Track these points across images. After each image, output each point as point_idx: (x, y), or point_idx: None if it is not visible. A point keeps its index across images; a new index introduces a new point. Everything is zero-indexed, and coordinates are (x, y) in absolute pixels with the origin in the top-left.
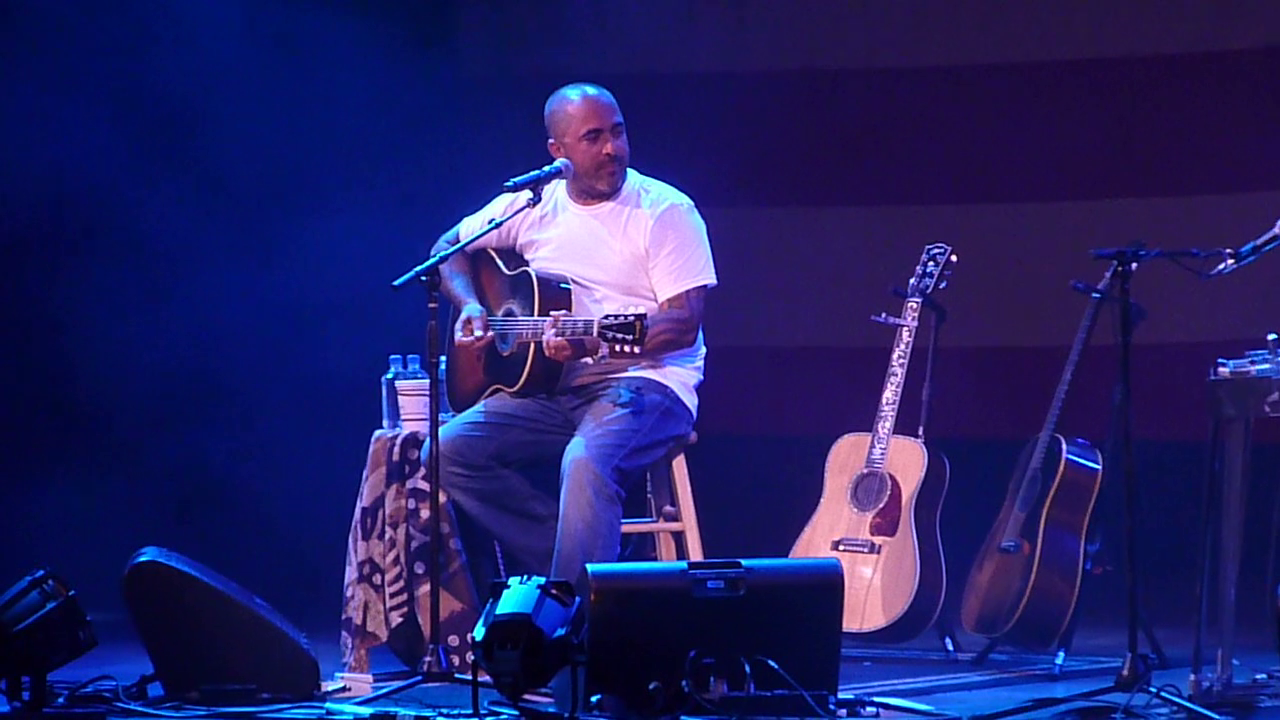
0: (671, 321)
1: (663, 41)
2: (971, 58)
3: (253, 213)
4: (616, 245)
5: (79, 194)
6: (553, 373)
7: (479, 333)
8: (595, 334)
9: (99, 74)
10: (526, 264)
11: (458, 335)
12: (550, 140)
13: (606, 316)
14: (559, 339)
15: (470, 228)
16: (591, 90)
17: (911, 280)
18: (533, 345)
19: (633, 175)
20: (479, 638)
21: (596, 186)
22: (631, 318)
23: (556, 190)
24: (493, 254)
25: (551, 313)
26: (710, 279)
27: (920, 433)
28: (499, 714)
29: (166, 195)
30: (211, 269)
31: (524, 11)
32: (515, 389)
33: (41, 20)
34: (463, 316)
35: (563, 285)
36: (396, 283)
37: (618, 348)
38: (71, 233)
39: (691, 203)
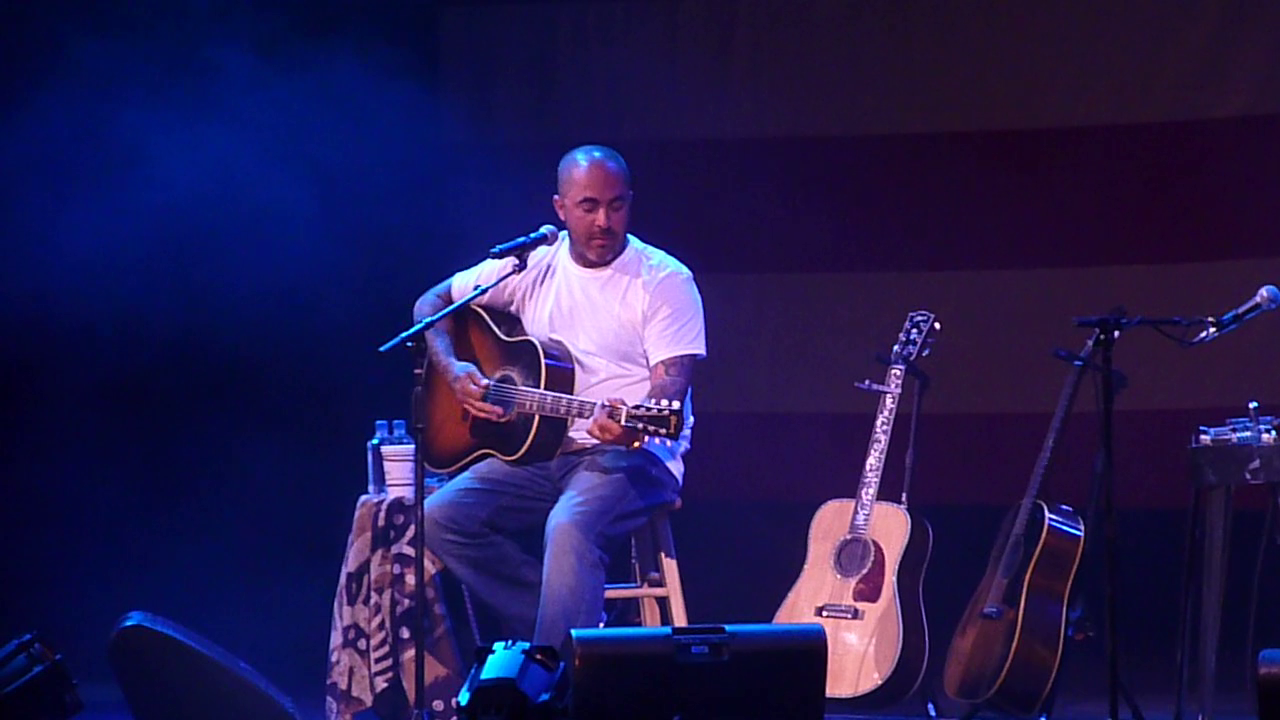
0: (678, 395)
1: (645, 108)
2: (955, 125)
3: (233, 275)
4: (615, 311)
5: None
6: (554, 443)
7: (487, 383)
8: (623, 422)
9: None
10: (525, 332)
11: (466, 385)
12: (555, 196)
13: (638, 406)
14: (611, 422)
15: (463, 285)
16: (600, 155)
17: (895, 347)
18: (538, 417)
19: (634, 243)
20: (463, 702)
21: (586, 255)
22: (667, 412)
23: (559, 250)
24: (483, 312)
25: (609, 399)
26: (701, 351)
27: (904, 499)
28: None
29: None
30: (194, 339)
31: (507, 77)
32: (515, 457)
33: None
34: (463, 372)
35: (566, 365)
36: (383, 348)
37: (646, 439)
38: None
39: (690, 275)
